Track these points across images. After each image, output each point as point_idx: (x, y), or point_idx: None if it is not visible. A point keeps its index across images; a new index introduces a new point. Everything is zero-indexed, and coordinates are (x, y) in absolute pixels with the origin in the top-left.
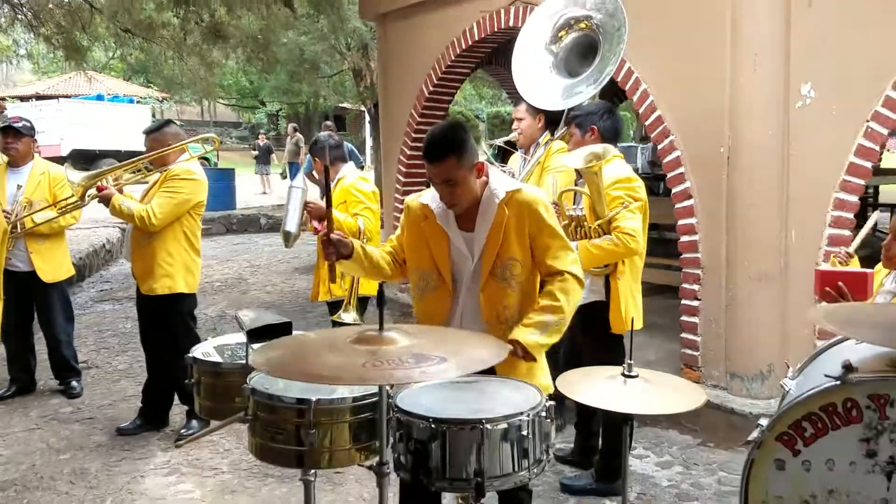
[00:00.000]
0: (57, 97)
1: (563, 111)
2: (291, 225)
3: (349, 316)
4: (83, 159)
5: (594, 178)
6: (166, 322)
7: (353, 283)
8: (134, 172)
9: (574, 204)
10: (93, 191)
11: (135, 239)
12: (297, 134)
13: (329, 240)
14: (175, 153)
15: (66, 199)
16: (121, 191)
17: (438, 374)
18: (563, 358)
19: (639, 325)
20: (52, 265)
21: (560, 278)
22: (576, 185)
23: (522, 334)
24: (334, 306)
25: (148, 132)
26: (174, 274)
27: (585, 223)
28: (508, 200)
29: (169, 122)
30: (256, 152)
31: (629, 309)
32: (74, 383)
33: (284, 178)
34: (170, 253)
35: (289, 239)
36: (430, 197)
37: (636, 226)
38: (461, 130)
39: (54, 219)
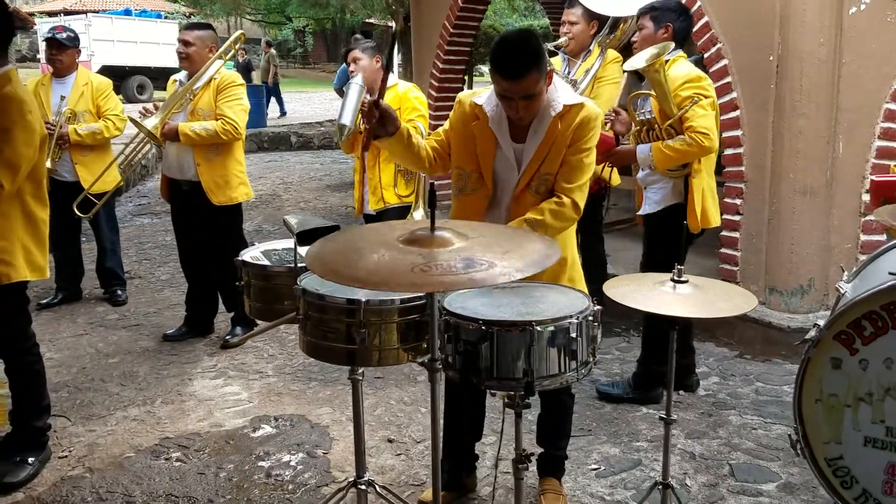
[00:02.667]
0: (84, 12)
1: (608, 19)
2: (347, 118)
3: (419, 213)
4: (113, 76)
5: (657, 77)
6: (229, 230)
7: (417, 184)
8: (190, 93)
9: (638, 108)
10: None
11: (199, 153)
12: (271, 50)
13: (377, 103)
14: (204, 60)
15: (141, 143)
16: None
17: (486, 280)
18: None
19: (717, 221)
20: (97, 176)
21: (557, 201)
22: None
23: None
24: (370, 220)
25: (194, 28)
26: (246, 181)
27: (657, 125)
28: (564, 114)
29: (211, 25)
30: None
31: (707, 207)
32: (119, 291)
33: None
34: (239, 161)
35: (343, 132)
36: (485, 98)
37: (709, 123)
38: (535, 38)
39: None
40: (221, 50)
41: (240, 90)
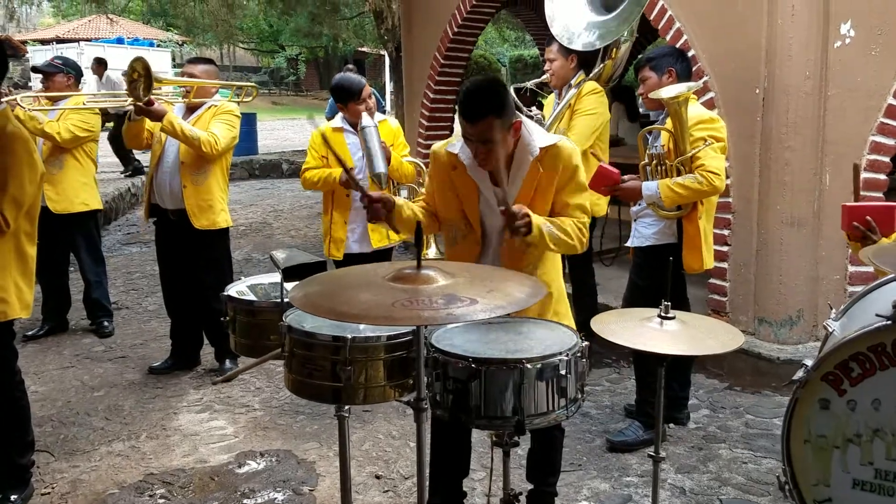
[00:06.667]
0: (77, 40)
1: (598, 51)
2: (380, 166)
3: (432, 251)
4: None
5: (679, 111)
6: (217, 257)
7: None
8: (183, 93)
9: (649, 143)
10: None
11: (185, 176)
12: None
13: (371, 199)
14: (211, 90)
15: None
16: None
17: (466, 316)
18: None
19: (710, 264)
20: (64, 196)
21: (579, 220)
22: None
23: (536, 218)
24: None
25: (199, 61)
26: (227, 209)
27: (667, 161)
28: (543, 157)
29: (213, 60)
30: None
31: (706, 250)
32: (106, 323)
33: None
34: (222, 188)
35: (381, 180)
36: (459, 146)
37: (720, 164)
38: (501, 87)
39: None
40: (221, 84)
41: (236, 121)
